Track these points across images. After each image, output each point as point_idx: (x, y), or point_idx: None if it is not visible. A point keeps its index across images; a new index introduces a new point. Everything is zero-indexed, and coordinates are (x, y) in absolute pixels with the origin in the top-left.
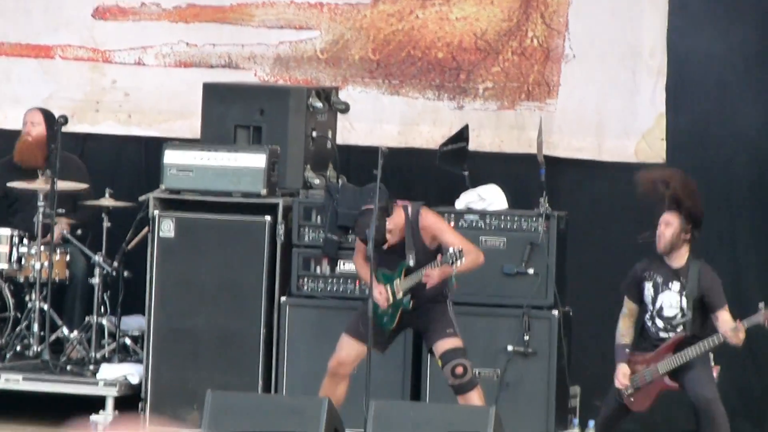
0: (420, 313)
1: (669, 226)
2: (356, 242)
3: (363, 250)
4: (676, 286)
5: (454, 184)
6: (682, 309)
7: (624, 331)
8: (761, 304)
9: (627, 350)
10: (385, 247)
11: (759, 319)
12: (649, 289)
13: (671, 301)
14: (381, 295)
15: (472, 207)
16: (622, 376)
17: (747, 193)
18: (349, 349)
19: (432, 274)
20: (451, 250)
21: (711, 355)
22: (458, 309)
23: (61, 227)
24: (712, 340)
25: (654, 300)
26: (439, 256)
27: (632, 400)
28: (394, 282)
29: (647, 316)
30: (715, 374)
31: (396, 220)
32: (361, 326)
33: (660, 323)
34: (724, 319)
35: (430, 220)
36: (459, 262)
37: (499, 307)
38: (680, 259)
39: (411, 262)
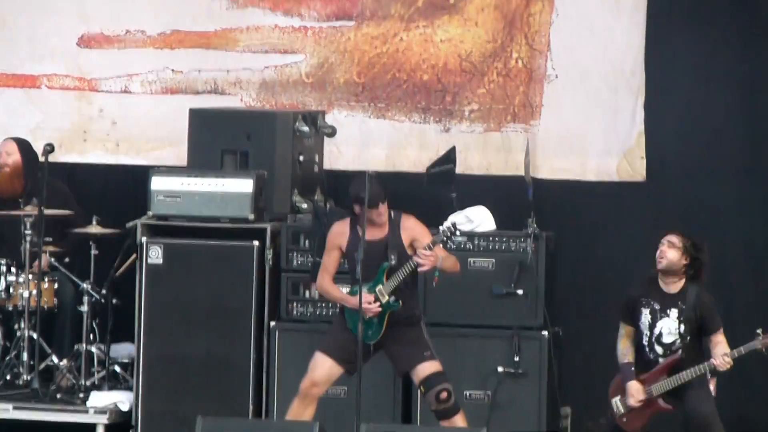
0: (394, 335)
1: (672, 246)
2: (323, 262)
3: (329, 269)
4: (674, 313)
5: (442, 208)
6: (680, 334)
7: (625, 351)
8: (759, 330)
9: (633, 369)
10: (367, 239)
11: (756, 345)
12: (646, 315)
13: (670, 327)
14: (367, 303)
15: (461, 228)
16: (635, 392)
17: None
18: (323, 369)
19: (426, 254)
20: (443, 226)
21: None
22: (447, 331)
23: (47, 257)
24: (706, 365)
25: (652, 326)
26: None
27: (624, 420)
28: (377, 288)
29: (644, 341)
30: (712, 387)
31: (382, 211)
32: (340, 342)
33: (659, 350)
34: (717, 341)
35: (413, 222)
36: (453, 238)
37: (489, 328)
38: (677, 284)
39: (393, 261)
